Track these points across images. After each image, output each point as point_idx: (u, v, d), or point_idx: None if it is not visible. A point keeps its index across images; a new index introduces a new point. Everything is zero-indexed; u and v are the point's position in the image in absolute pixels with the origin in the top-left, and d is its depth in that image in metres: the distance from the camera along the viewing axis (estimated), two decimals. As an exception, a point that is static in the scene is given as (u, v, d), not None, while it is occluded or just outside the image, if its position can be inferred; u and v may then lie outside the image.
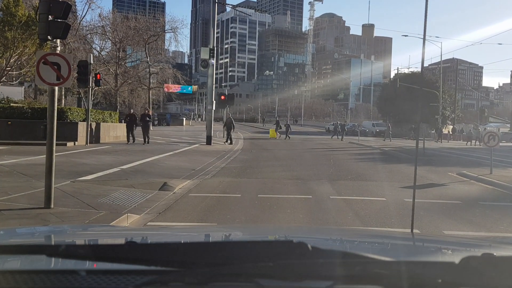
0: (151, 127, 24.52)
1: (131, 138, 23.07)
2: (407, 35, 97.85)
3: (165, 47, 53.62)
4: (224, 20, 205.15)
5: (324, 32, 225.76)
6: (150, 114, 25.51)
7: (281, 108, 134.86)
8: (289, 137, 34.78)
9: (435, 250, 1.89)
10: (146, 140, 22.73)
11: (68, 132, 19.58)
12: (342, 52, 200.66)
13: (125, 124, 23.98)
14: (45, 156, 7.12)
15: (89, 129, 20.53)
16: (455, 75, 65.53)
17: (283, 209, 8.08)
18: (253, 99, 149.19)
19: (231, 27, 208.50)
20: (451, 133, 48.32)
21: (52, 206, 6.95)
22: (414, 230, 4.74)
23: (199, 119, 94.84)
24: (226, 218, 7.24)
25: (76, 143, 19.82)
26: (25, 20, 20.07)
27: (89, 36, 39.77)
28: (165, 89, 51.80)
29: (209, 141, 24.19)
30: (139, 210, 7.43)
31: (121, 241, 1.90)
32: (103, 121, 23.86)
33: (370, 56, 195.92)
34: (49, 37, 6.86)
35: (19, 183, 9.21)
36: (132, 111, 26.32)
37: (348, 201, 9.02)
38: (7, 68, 21.65)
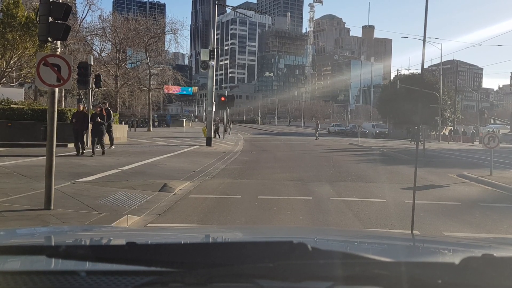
0: (105, 132, 17.25)
1: (93, 146, 16.61)
2: (407, 37, 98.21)
3: (165, 49, 53.57)
4: (224, 22, 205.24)
5: (324, 34, 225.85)
6: (104, 113, 17.15)
7: (281, 110, 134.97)
8: (219, 136, 33.60)
9: (435, 251, 1.89)
10: (99, 149, 16.48)
11: (68, 134, 19.55)
12: (342, 54, 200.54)
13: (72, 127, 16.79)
14: (45, 157, 7.12)
15: (89, 130, 20.49)
16: (455, 77, 65.53)
17: (283, 211, 8.08)
18: (253, 100, 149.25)
19: (231, 29, 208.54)
20: (447, 134, 48.47)
21: (52, 207, 6.95)
22: (414, 231, 4.73)
23: (196, 120, 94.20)
24: (226, 219, 7.24)
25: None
26: (25, 22, 20.07)
27: (89, 37, 39.83)
28: (165, 91, 51.84)
29: (209, 142, 24.20)
30: (139, 212, 7.43)
31: (121, 241, 1.90)
32: (103, 123, 23.82)
33: (370, 57, 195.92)
34: (49, 38, 6.88)
35: (19, 184, 9.21)
36: (82, 107, 17.68)
37: (348, 202, 9.02)
38: (7, 70, 21.65)
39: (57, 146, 7.41)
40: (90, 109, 21.18)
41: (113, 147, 19.54)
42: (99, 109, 17.27)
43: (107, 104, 19.98)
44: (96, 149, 16.47)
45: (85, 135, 16.91)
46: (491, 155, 13.97)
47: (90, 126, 16.90)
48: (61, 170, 10.77)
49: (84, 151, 16.32)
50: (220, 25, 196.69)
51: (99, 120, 16.47)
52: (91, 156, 15.76)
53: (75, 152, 16.16)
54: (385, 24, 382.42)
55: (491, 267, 1.04)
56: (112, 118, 20.08)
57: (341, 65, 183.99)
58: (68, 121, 20.52)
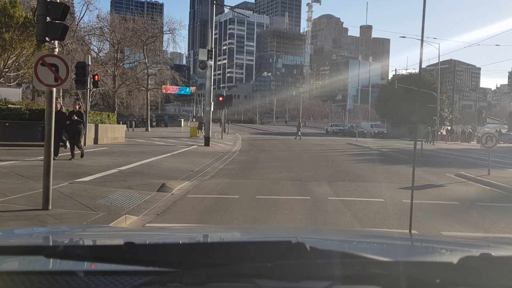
0: (83, 132, 15.58)
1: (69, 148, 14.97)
2: (405, 37, 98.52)
3: (163, 49, 53.49)
4: (222, 22, 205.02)
5: (322, 33, 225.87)
6: (82, 111, 15.67)
7: (279, 109, 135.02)
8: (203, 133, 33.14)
9: (433, 250, 1.89)
10: (76, 152, 14.65)
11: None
12: (340, 53, 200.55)
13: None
14: (43, 157, 7.11)
15: (87, 130, 20.47)
16: (453, 76, 65.65)
17: (281, 210, 8.08)
18: (251, 100, 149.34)
19: (229, 29, 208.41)
20: (444, 134, 48.56)
21: (50, 207, 6.94)
22: (412, 231, 4.74)
23: (194, 120, 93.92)
24: (224, 219, 7.23)
25: (74, 144, 19.76)
26: (23, 22, 20.06)
27: (87, 37, 39.75)
28: (163, 91, 51.81)
29: (207, 142, 24.19)
30: (137, 212, 7.42)
31: (119, 241, 1.90)
32: (101, 123, 23.83)
33: (368, 57, 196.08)
34: (47, 38, 6.86)
35: (17, 184, 9.19)
36: (59, 106, 14.57)
37: (346, 202, 9.03)
38: (5, 69, 21.62)
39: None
40: (88, 109, 21.17)
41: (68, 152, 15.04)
42: (77, 106, 15.39)
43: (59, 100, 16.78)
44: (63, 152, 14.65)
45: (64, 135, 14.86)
46: (489, 155, 14.00)
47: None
48: (59, 170, 10.75)
49: (56, 155, 13.48)
50: (218, 25, 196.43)
51: (76, 118, 14.53)
52: (70, 159, 14.17)
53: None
54: (383, 24, 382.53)
55: (489, 266, 1.04)
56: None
57: (339, 65, 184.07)
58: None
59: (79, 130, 14.85)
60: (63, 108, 15.43)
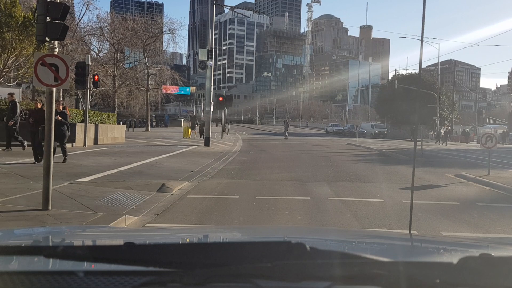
0: (67, 134, 13.67)
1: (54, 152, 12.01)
2: (404, 37, 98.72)
3: (163, 49, 53.50)
4: (222, 22, 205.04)
5: (322, 34, 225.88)
6: (67, 112, 14.03)
7: (279, 110, 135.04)
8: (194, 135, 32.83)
9: (433, 250, 1.89)
10: (64, 156, 13.26)
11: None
12: (340, 54, 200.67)
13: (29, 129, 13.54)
14: (42, 157, 7.10)
15: (87, 130, 20.49)
16: (453, 77, 65.67)
17: (281, 211, 8.08)
18: (251, 100, 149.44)
19: (229, 29, 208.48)
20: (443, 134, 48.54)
21: (50, 207, 6.93)
22: (412, 231, 4.74)
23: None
24: (224, 219, 7.23)
25: (74, 144, 19.76)
26: (23, 21, 20.03)
27: (87, 37, 39.76)
28: (163, 91, 51.84)
29: (207, 142, 24.19)
30: (137, 212, 7.42)
31: (119, 242, 1.90)
32: (101, 123, 23.83)
33: (368, 57, 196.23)
34: (47, 38, 6.86)
35: (17, 184, 9.19)
36: (40, 104, 13.73)
37: (346, 202, 9.03)
38: (5, 69, 21.61)
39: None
40: (88, 109, 21.15)
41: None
42: (61, 106, 13.53)
43: (13, 98, 15.79)
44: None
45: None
46: (489, 155, 14.00)
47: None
48: (59, 170, 10.74)
49: (39, 159, 12.14)
50: (218, 25, 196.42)
51: (60, 118, 12.67)
52: (63, 162, 12.99)
53: (33, 160, 12.66)
54: (383, 24, 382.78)
55: (489, 266, 1.04)
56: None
57: (339, 65, 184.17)
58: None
59: (62, 132, 12.95)
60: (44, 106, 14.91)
